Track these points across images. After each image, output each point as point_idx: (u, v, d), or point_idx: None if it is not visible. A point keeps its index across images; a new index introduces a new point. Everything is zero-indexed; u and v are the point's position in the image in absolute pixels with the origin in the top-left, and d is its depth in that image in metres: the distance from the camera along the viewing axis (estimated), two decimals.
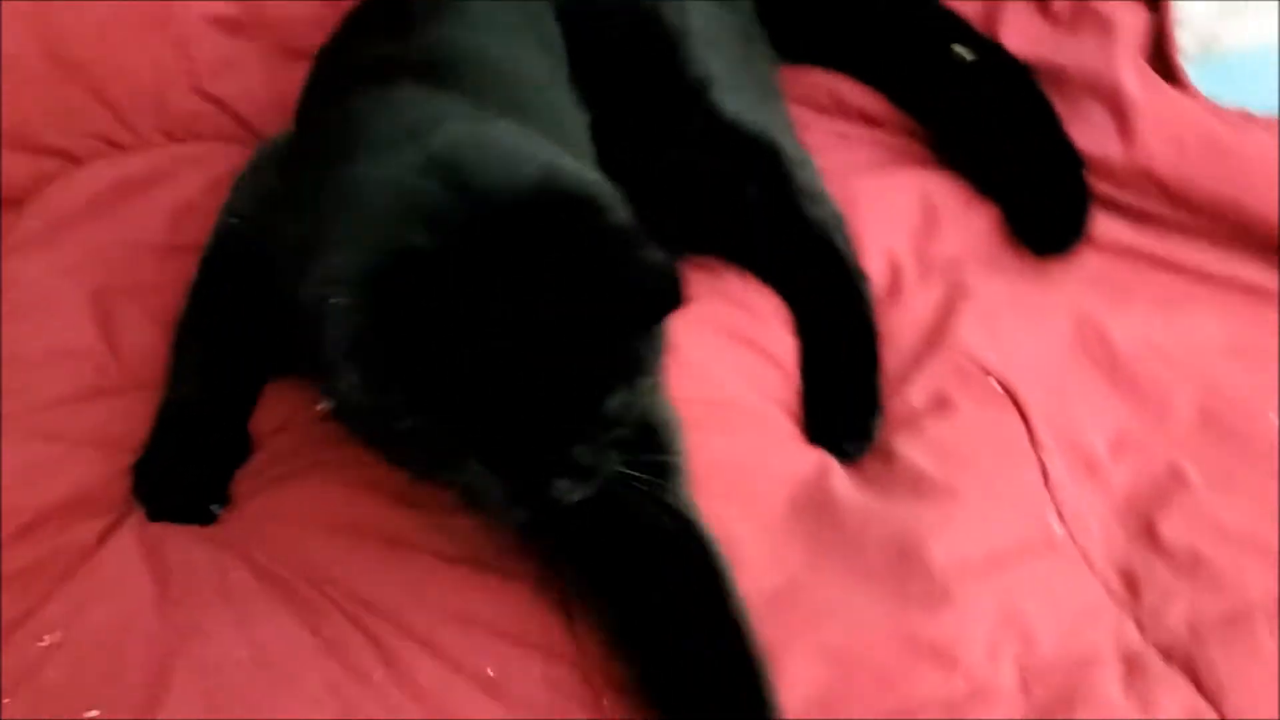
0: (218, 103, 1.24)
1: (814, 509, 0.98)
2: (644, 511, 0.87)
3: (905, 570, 0.93)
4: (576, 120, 1.07)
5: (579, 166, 0.86)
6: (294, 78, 1.13)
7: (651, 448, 0.87)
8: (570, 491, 0.79)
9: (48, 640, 0.83)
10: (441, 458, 0.80)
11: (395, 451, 0.84)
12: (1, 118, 1.17)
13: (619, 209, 0.80)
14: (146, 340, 1.03)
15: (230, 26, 1.25)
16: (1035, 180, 1.22)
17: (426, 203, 0.77)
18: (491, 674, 0.85)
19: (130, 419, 0.97)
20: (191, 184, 1.17)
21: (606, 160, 1.04)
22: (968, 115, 1.26)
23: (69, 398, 0.99)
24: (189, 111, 1.24)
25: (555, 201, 0.78)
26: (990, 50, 1.28)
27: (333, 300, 0.75)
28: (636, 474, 0.83)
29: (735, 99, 1.18)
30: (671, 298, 0.77)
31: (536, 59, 1.08)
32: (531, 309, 0.74)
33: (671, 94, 1.16)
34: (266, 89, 1.23)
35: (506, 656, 0.85)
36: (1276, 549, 0.97)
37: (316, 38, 1.14)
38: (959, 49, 1.28)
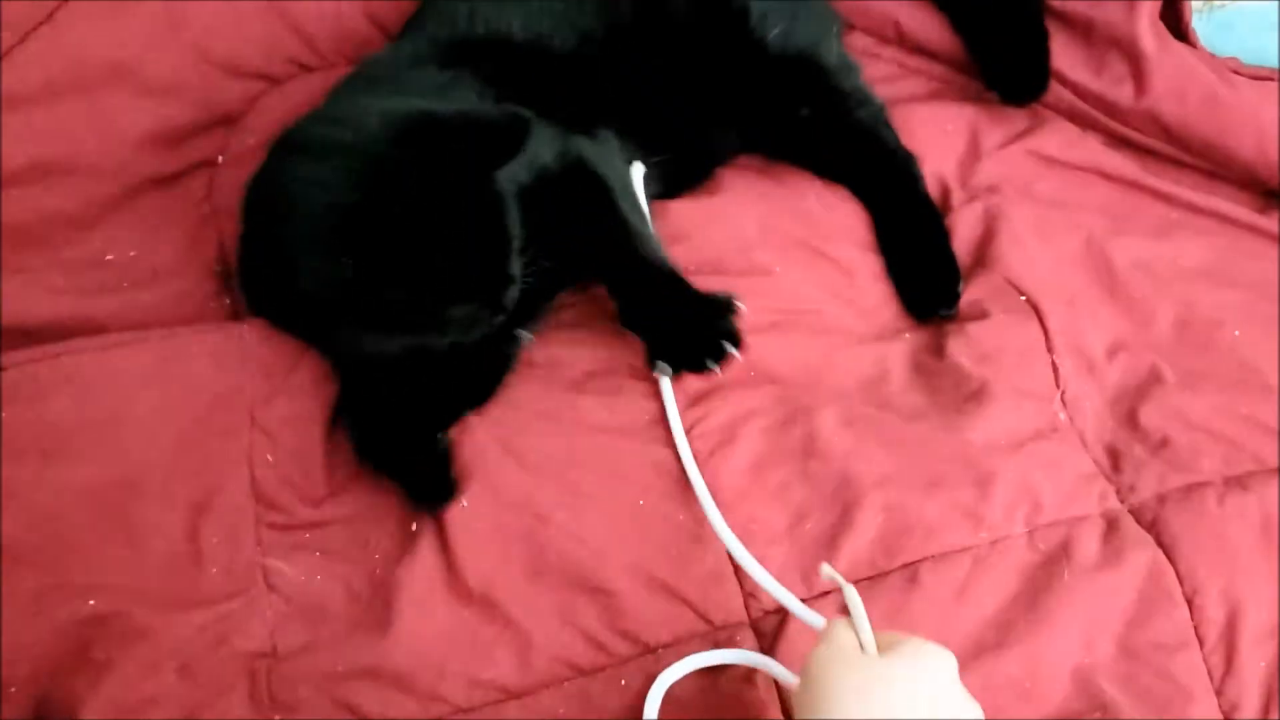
0: (383, 28, 1.35)
1: (875, 401, 1.15)
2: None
3: (947, 450, 1.09)
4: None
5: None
6: None
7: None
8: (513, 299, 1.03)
9: None
10: (412, 316, 1.01)
11: (362, 326, 1.05)
12: (219, 50, 1.28)
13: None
14: None
15: None
16: (1011, 46, 1.40)
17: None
18: None
19: None
20: None
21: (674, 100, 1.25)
22: None
23: None
24: (363, 36, 1.35)
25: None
26: None
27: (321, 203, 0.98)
28: None
29: (776, 24, 1.28)
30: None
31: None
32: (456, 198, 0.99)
33: (720, 30, 1.27)
34: None
35: None
36: (1227, 436, 1.13)
37: None
38: None
